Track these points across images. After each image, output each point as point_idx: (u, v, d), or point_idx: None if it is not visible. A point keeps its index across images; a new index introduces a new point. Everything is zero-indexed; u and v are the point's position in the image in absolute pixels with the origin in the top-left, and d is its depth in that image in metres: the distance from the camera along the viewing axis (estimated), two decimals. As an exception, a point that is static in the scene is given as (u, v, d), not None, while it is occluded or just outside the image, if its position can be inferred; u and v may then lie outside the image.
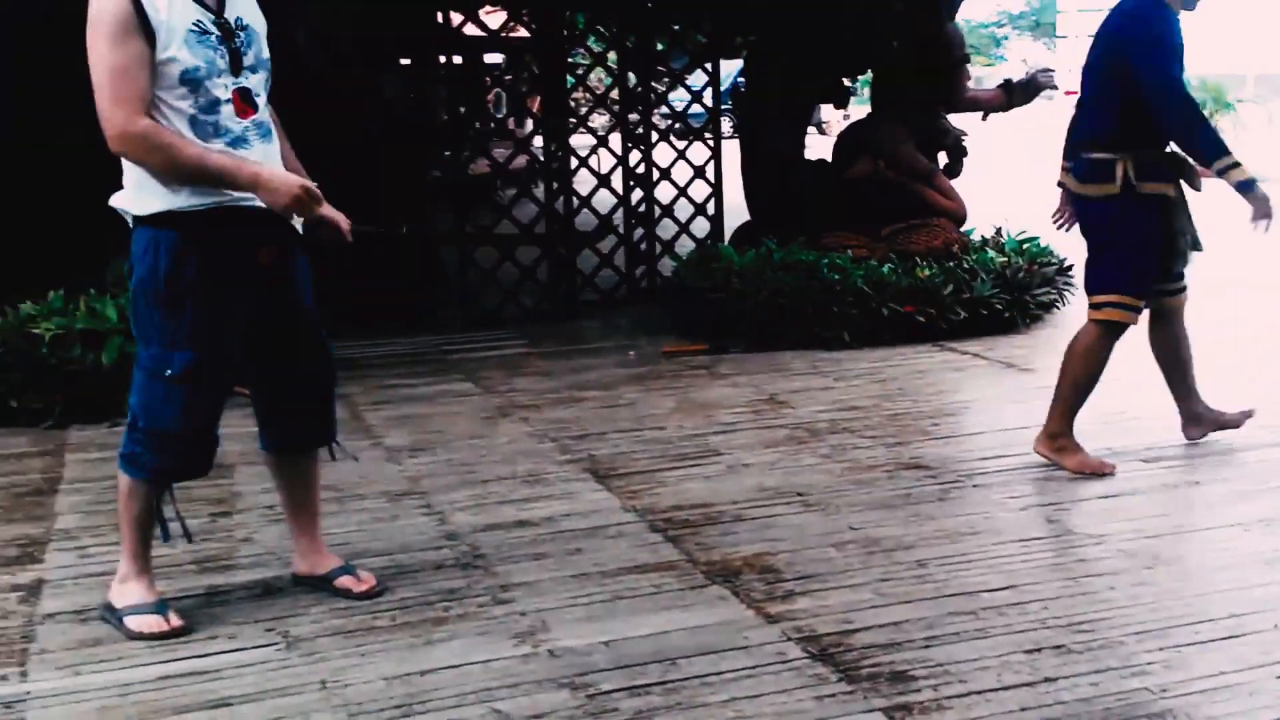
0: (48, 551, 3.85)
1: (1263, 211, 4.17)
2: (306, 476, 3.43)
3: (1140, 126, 4.21)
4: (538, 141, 7.97)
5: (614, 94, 8.12)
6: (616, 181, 7.96)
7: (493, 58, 11.76)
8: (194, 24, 2.89)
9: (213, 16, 2.94)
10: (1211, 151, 4.14)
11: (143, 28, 2.81)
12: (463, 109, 9.25)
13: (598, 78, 8.37)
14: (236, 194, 2.96)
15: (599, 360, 6.44)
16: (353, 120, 6.66)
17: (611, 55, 8.05)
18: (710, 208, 8.27)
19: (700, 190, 8.21)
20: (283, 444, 3.38)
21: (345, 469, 4.21)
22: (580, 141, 8.03)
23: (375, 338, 6.75)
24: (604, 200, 7.98)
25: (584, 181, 7.96)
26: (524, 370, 6.22)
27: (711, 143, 8.24)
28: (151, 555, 3.29)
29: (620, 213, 8.00)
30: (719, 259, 7.15)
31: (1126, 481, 4.33)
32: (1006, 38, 55.59)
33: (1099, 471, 4.38)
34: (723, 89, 8.49)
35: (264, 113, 3.06)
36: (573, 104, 8.13)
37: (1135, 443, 4.73)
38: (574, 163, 7.88)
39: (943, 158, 7.81)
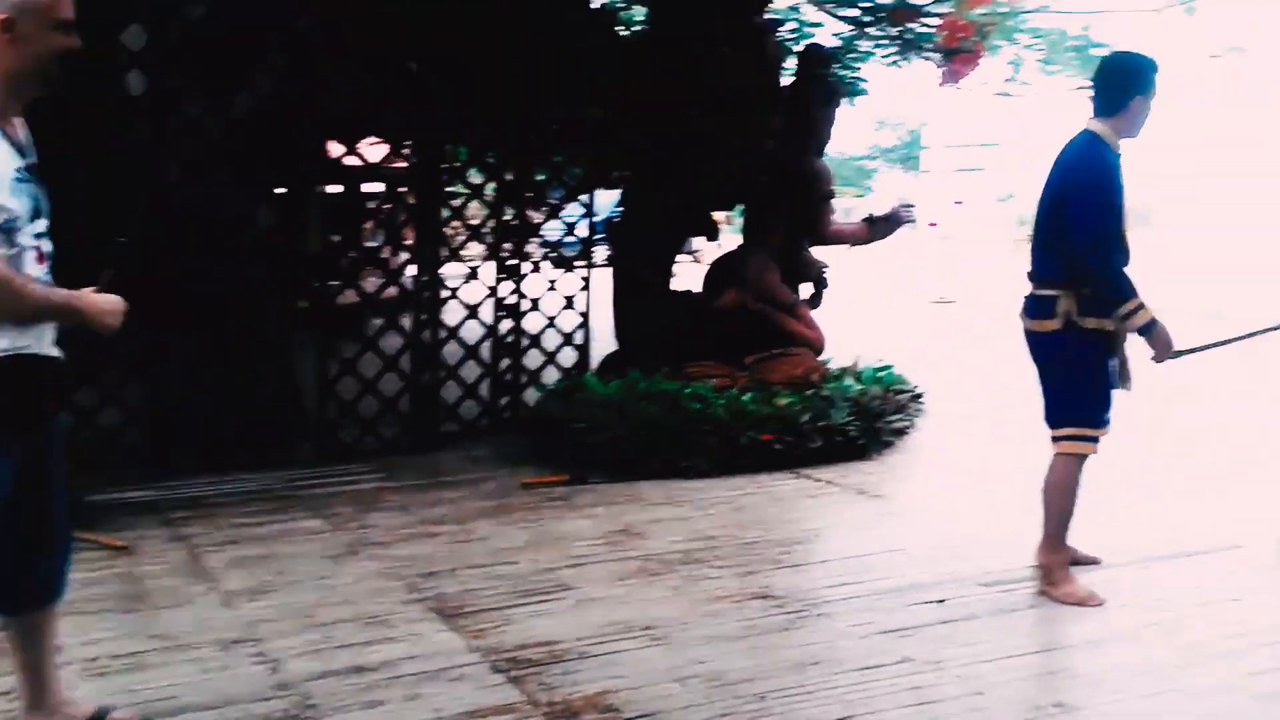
0: None
1: (1164, 351, 4.35)
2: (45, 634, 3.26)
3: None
4: (411, 271, 7.97)
5: (489, 225, 8.21)
6: (486, 311, 8.00)
7: (371, 186, 11.81)
8: (16, 171, 2.86)
9: (23, 162, 2.91)
10: (1115, 299, 4.30)
11: None
12: (337, 238, 9.25)
13: (475, 208, 8.47)
14: (41, 340, 2.93)
15: (456, 493, 6.38)
16: (227, 251, 6.64)
17: (490, 185, 8.16)
18: (578, 337, 8.34)
19: (570, 320, 8.29)
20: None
21: (178, 616, 4.08)
22: (453, 271, 8.07)
23: (223, 474, 6.59)
24: (473, 330, 8.00)
25: (453, 311, 7.98)
26: (377, 505, 6.13)
27: (585, 273, 8.35)
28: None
29: (488, 343, 8.02)
30: (584, 389, 7.20)
31: (964, 606, 4.40)
32: (876, 170, 57.78)
33: (1085, 604, 4.40)
34: (599, 219, 8.64)
35: (48, 258, 3.00)
36: (449, 233, 8.17)
37: (975, 568, 4.83)
38: (445, 293, 7.90)
39: (806, 289, 8.03)
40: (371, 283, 8.45)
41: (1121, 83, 4.40)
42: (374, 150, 8.08)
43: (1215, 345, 4.79)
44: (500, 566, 5.06)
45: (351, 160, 7.70)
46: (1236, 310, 11.00)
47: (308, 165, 7.58)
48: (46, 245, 2.97)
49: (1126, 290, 4.30)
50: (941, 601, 4.46)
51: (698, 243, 25.75)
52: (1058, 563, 4.49)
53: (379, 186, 11.22)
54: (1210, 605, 4.33)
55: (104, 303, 2.95)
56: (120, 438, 6.66)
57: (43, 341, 2.96)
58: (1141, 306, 4.29)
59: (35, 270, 2.91)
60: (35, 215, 2.92)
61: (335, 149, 7.93)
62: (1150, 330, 4.30)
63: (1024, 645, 4.05)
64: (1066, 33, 11.18)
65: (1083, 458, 4.50)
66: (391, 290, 8.00)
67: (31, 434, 3.02)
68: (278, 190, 7.61)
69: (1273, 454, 6.75)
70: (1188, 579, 4.66)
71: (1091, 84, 4.50)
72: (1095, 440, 4.49)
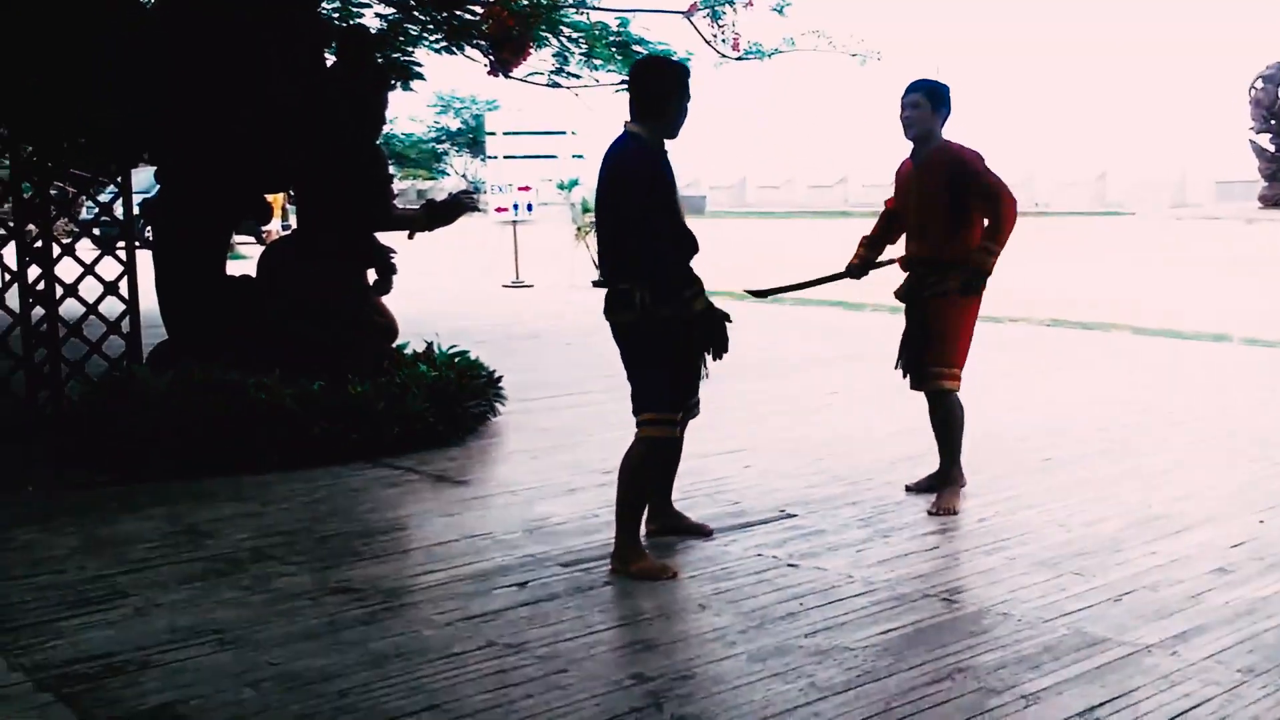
0: None
1: (721, 337, 4.61)
2: None
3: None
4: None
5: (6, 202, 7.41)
6: (12, 299, 7.22)
7: None
8: None
9: None
10: (669, 287, 4.47)
11: None
12: None
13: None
14: None
15: (-10, 500, 5.74)
16: None
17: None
18: (126, 325, 7.71)
19: (115, 307, 7.64)
20: None
21: None
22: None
23: None
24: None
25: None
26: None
27: (125, 256, 7.71)
28: None
29: (18, 333, 7.25)
30: (135, 381, 6.66)
31: (545, 587, 4.47)
32: (447, 153, 57.91)
33: (659, 576, 4.52)
34: (137, 200, 8.00)
35: None
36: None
37: (557, 548, 4.91)
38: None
39: (372, 275, 7.84)
40: None
41: (659, 87, 4.61)
42: None
43: (786, 289, 5.70)
44: (44, 576, 4.59)
45: None
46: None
47: None
48: None
49: (676, 277, 4.51)
50: (524, 584, 4.49)
51: (266, 227, 24.82)
52: (629, 541, 4.65)
53: None
54: (768, 572, 4.63)
55: None
56: None
57: None
58: (699, 293, 4.53)
59: None
60: None
61: None
62: (706, 314, 4.54)
63: (603, 621, 4.16)
64: (609, 27, 11.57)
65: (662, 441, 4.68)
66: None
67: None
68: None
69: (835, 417, 7.35)
70: (749, 548, 4.96)
71: (628, 88, 4.67)
72: (673, 424, 4.69)
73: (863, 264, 5.73)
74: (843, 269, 5.76)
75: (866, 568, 4.63)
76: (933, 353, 5.39)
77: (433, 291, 14.65)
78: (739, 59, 11.73)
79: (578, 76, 11.85)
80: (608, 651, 3.88)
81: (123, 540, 5.07)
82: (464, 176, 55.95)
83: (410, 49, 11.86)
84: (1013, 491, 5.64)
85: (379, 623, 4.13)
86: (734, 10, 11.31)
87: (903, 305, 5.59)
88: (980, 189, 5.25)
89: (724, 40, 11.44)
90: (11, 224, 7.39)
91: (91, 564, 4.74)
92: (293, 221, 10.41)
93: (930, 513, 5.33)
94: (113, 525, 5.30)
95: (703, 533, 5.07)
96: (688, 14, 11.30)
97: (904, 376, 5.58)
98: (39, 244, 7.36)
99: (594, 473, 6.04)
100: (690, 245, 4.61)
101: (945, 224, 5.31)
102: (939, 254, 5.35)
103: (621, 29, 11.64)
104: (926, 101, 5.30)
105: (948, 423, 5.46)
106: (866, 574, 4.55)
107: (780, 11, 11.51)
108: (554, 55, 11.65)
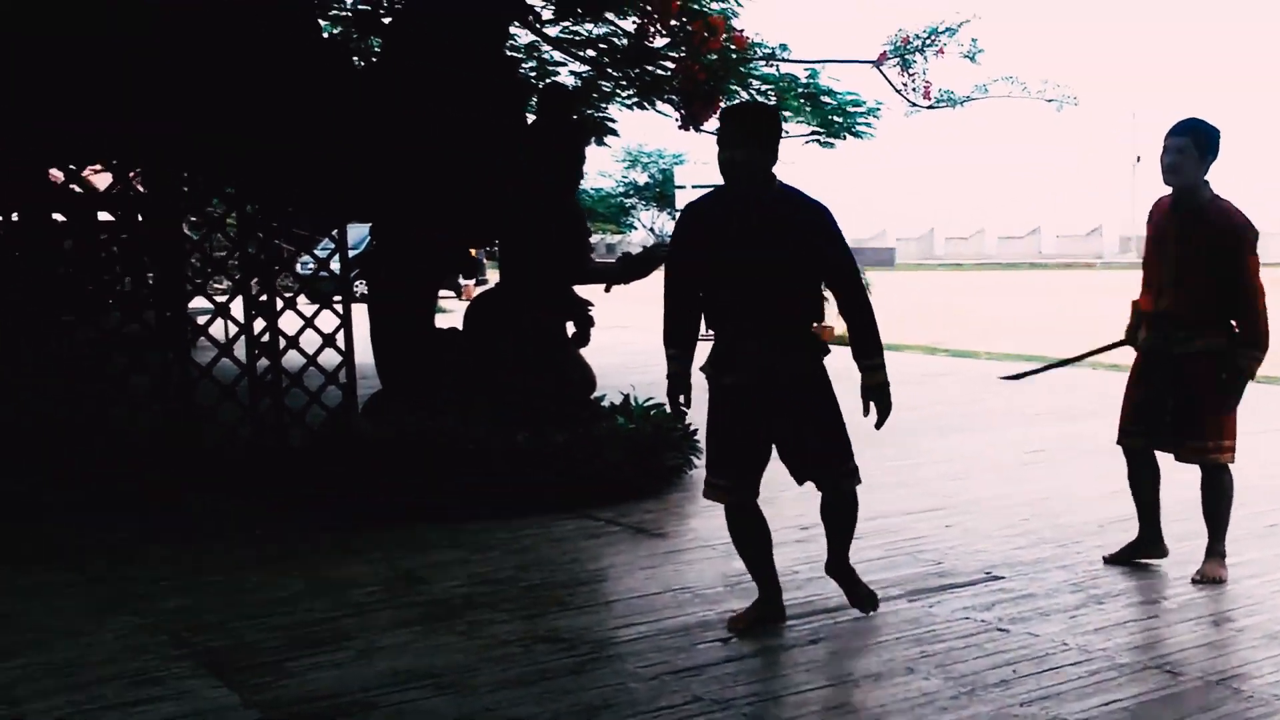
0: None
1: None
2: None
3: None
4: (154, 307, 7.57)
5: (235, 259, 7.90)
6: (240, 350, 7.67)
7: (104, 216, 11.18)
8: None
9: None
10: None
11: None
12: (69, 270, 8.71)
13: (219, 240, 8.17)
14: None
15: (222, 541, 6.08)
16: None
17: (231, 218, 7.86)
18: (343, 376, 8.10)
19: (332, 359, 8.04)
20: None
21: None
22: (200, 306, 7.72)
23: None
24: (227, 370, 7.66)
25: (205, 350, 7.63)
26: (136, 556, 5.76)
27: (341, 309, 8.12)
28: None
29: (245, 382, 7.69)
30: (352, 430, 6.99)
31: (746, 643, 4.48)
32: (635, 207, 58.84)
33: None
34: (355, 250, 8.43)
35: None
36: (195, 266, 7.82)
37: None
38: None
39: (571, 327, 8.05)
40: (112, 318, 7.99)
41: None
42: (101, 178, 7.70)
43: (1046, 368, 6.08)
44: (275, 617, 4.84)
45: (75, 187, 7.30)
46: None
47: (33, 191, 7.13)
48: None
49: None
50: (727, 640, 4.52)
51: (464, 280, 25.66)
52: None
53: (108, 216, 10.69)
54: (977, 636, 4.54)
55: None
56: None
57: None
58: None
59: None
60: None
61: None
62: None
63: (809, 681, 4.15)
64: (798, 78, 11.66)
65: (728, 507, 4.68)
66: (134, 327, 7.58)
67: None
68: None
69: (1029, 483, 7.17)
70: (955, 610, 4.88)
71: (760, 137, 4.41)
72: (725, 490, 4.65)
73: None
74: (1122, 337, 5.42)
75: (1082, 635, 4.49)
76: (1200, 422, 5.05)
77: (627, 344, 14.87)
78: (929, 107, 11.66)
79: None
80: (816, 713, 3.87)
81: (345, 584, 5.31)
82: (651, 230, 56.67)
83: (604, 105, 12.19)
84: (1236, 558, 5.39)
85: (587, 673, 4.22)
86: (924, 58, 11.28)
87: (1122, 358, 5.33)
88: (1243, 279, 4.91)
89: (914, 89, 11.40)
90: (238, 279, 7.86)
91: (317, 606, 4.98)
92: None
93: (1195, 580, 5.08)
94: (335, 569, 5.56)
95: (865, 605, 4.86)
96: (877, 63, 11.31)
97: (1141, 441, 5.24)
98: (263, 298, 7.81)
99: (791, 528, 6.02)
100: None
101: (1205, 284, 4.95)
102: (1194, 313, 5.00)
103: (811, 80, 11.72)
104: (1193, 147, 4.91)
105: (1220, 498, 5.14)
106: (1082, 641, 4.42)
107: (972, 59, 11.42)
108: (744, 108, 11.78)
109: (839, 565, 4.80)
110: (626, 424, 7.41)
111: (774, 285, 4.43)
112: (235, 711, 3.86)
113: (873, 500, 6.64)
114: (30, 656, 4.34)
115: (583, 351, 7.94)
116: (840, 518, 4.71)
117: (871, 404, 4.49)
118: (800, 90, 11.67)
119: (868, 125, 12.00)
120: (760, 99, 11.23)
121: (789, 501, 6.60)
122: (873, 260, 45.88)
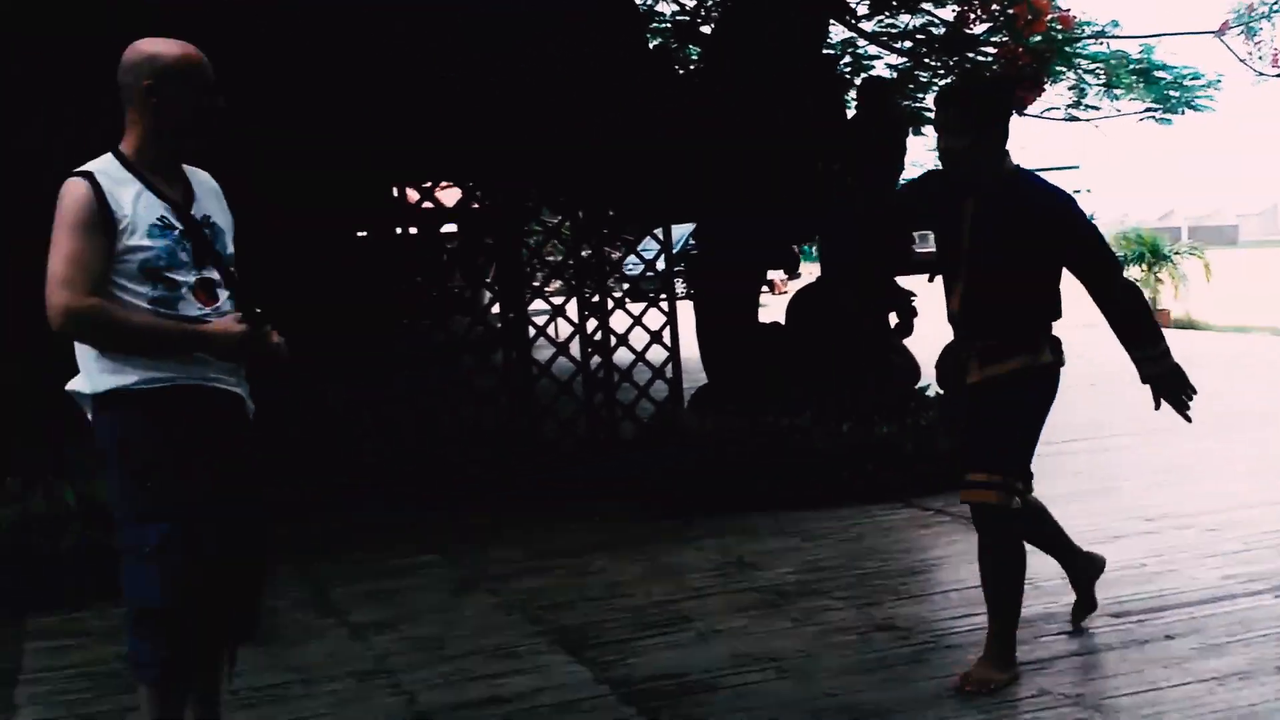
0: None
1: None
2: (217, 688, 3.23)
3: None
4: (496, 310, 8.10)
5: (569, 263, 8.30)
6: (574, 348, 8.05)
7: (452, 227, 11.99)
8: (158, 219, 3.00)
9: (177, 213, 3.04)
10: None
11: (104, 222, 2.92)
12: (419, 279, 9.38)
13: (553, 245, 8.64)
14: (192, 370, 3.00)
15: (566, 527, 6.40)
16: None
17: (565, 225, 8.28)
18: (669, 371, 8.36)
19: (658, 354, 8.31)
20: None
21: (312, 648, 4.13)
22: (536, 308, 8.17)
23: (331, 509, 6.65)
24: (562, 367, 8.06)
25: (542, 349, 8.06)
26: (490, 539, 6.17)
27: (666, 307, 8.38)
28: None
29: (579, 379, 8.07)
30: (679, 422, 7.21)
31: (1094, 637, 4.34)
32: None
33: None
34: (675, 250, 8.68)
35: (226, 302, 3.09)
36: (530, 272, 8.29)
37: (1103, 596, 4.72)
38: (531, 331, 8.00)
39: (893, 318, 7.99)
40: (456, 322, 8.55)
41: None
42: (448, 195, 8.25)
43: None
44: (619, 599, 5.06)
45: (428, 204, 7.85)
46: None
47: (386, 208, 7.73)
48: (218, 289, 3.08)
49: None
50: (1072, 634, 4.38)
51: (774, 275, 25.85)
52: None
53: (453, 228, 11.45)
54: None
55: (224, 332, 3.01)
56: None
57: (192, 372, 3.01)
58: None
59: (193, 310, 3.01)
60: (200, 261, 3.04)
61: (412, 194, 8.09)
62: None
63: (1166, 678, 3.96)
64: (1129, 55, 11.07)
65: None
66: (479, 329, 8.10)
67: (214, 459, 3.03)
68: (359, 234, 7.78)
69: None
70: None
71: (984, 111, 3.97)
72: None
73: None
74: None
75: None
76: None
77: (950, 334, 14.56)
78: (1279, 75, 10.84)
79: (1096, 108, 11.44)
80: (1174, 712, 3.69)
81: (681, 569, 5.49)
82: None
83: (920, 95, 11.99)
84: None
85: (926, 662, 4.19)
86: (1272, 24, 10.49)
87: None
88: None
89: (1260, 57, 10.62)
90: (573, 282, 8.26)
91: (657, 590, 5.17)
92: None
93: None
94: (671, 555, 5.75)
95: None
96: (1219, 33, 10.59)
97: None
98: (595, 299, 8.17)
99: (1136, 519, 5.79)
100: None
101: None
102: None
103: (1144, 55, 11.11)
104: None
105: None
106: None
107: (1328, 18, 10.53)
108: (1070, 89, 11.35)
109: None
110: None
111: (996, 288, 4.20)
112: (589, 686, 4.07)
113: (1226, 489, 6.30)
114: (402, 630, 4.73)
115: (906, 342, 7.87)
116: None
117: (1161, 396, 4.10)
118: (1132, 66, 11.10)
119: (1209, 98, 11.27)
120: (1088, 77, 10.77)
121: (1130, 494, 6.37)
122: (1215, 239, 42.88)
